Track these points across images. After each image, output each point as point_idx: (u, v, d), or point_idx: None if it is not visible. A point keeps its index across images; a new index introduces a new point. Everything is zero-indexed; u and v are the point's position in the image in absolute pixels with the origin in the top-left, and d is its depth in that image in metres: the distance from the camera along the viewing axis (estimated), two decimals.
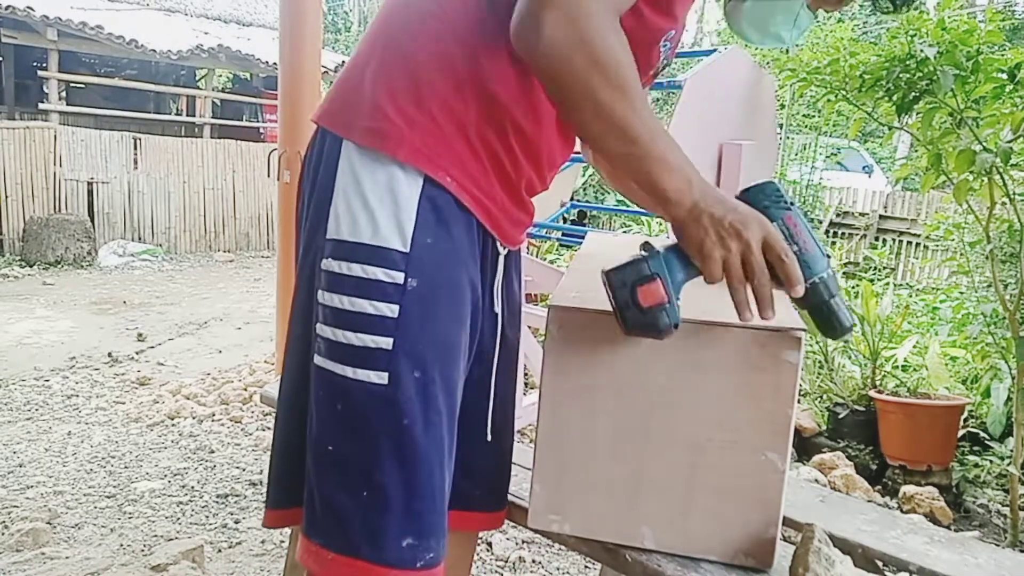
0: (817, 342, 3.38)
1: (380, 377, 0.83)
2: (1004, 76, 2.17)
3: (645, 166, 0.78)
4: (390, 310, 0.83)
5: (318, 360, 0.86)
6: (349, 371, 0.83)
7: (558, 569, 2.20)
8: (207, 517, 2.44)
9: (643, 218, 5.80)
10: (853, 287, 4.08)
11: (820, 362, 3.40)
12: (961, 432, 2.87)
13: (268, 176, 10.20)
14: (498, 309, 1.00)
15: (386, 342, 0.83)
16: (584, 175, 6.77)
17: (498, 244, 0.97)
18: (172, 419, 3.35)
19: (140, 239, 8.34)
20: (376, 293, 0.83)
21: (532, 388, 3.26)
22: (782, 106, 6.90)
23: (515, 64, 0.86)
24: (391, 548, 0.83)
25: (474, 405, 1.00)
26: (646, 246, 0.84)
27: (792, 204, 0.88)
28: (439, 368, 0.86)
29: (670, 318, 0.82)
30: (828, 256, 0.88)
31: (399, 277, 0.83)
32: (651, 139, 0.77)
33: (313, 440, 0.87)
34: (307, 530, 0.87)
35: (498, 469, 1.08)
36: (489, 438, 1.02)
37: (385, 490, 0.83)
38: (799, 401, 3.29)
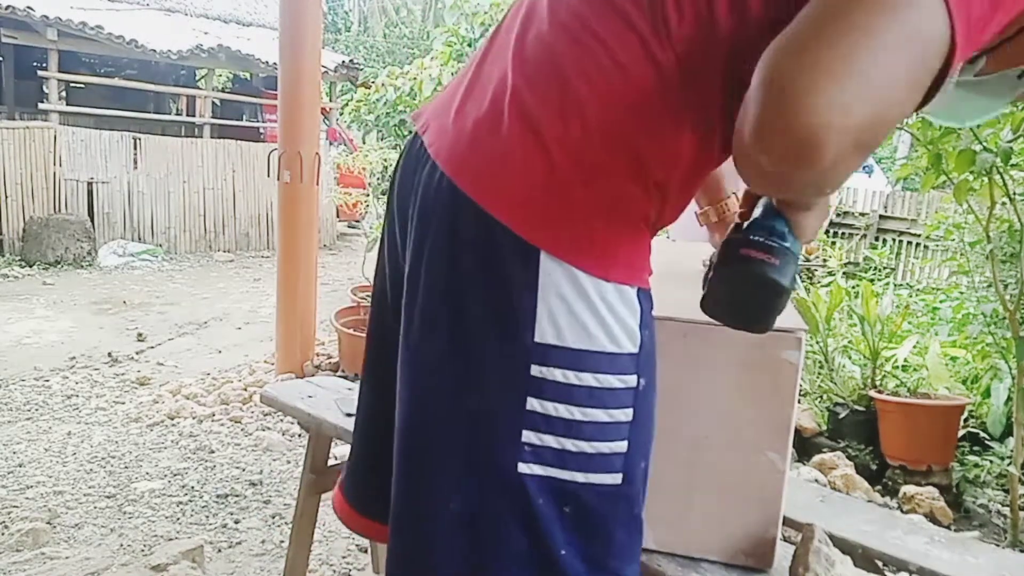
0: (817, 342, 3.38)
1: (614, 478, 0.80)
2: None
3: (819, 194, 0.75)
4: (625, 415, 0.80)
5: (527, 468, 0.79)
6: (580, 476, 0.79)
7: None
8: (207, 517, 2.44)
9: None
10: (853, 287, 4.08)
11: (820, 362, 3.40)
12: (961, 432, 2.87)
13: (268, 176, 10.16)
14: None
15: (622, 446, 0.80)
16: None
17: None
18: (172, 419, 3.35)
19: (140, 239, 8.34)
20: (612, 401, 0.79)
21: None
22: None
23: (703, 171, 0.83)
24: None
25: None
26: (785, 234, 0.79)
27: None
28: (652, 445, 0.86)
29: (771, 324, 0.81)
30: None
31: (632, 380, 0.80)
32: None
33: (537, 544, 0.80)
34: None
35: None
36: None
37: (620, 572, 0.82)
38: (799, 401, 3.30)
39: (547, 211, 0.78)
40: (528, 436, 0.78)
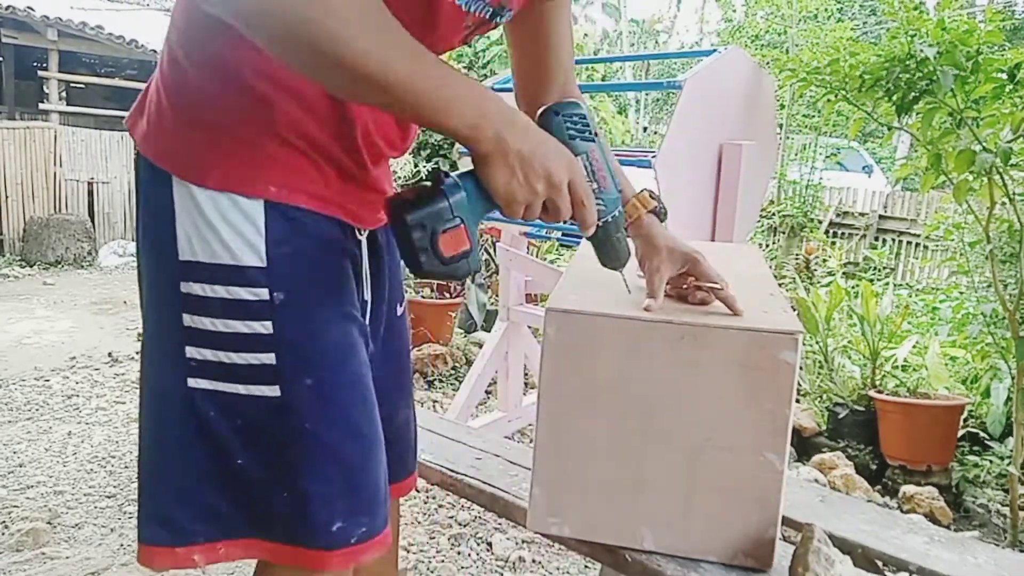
0: (817, 342, 3.38)
1: (272, 390, 0.84)
2: (1004, 76, 2.17)
3: (419, 112, 0.73)
4: (263, 327, 0.83)
5: (195, 383, 0.84)
6: (242, 388, 0.84)
7: (558, 569, 2.20)
8: None
9: None
10: (853, 287, 4.08)
11: (820, 362, 3.41)
12: (961, 432, 2.87)
13: None
14: (367, 296, 0.98)
15: (269, 357, 0.83)
16: None
17: (356, 231, 0.95)
18: None
19: None
20: (246, 312, 0.82)
21: (533, 388, 3.26)
22: (782, 106, 6.90)
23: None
24: (322, 534, 0.86)
25: None
26: (442, 178, 0.78)
27: (596, 135, 0.85)
28: (332, 367, 0.87)
29: (471, 266, 0.78)
30: (620, 192, 0.88)
31: (264, 293, 0.82)
32: (410, 79, 0.70)
33: (217, 458, 0.85)
34: (228, 535, 0.88)
35: (399, 439, 1.09)
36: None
37: (302, 488, 0.85)
38: (799, 401, 3.30)
39: (161, 132, 0.86)
40: (191, 352, 0.84)
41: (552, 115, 0.83)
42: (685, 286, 1.00)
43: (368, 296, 0.98)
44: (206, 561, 0.88)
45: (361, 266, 0.96)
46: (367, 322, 0.98)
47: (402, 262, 0.83)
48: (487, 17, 0.91)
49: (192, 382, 0.84)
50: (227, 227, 0.82)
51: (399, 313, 1.10)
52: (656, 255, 0.99)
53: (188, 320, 0.83)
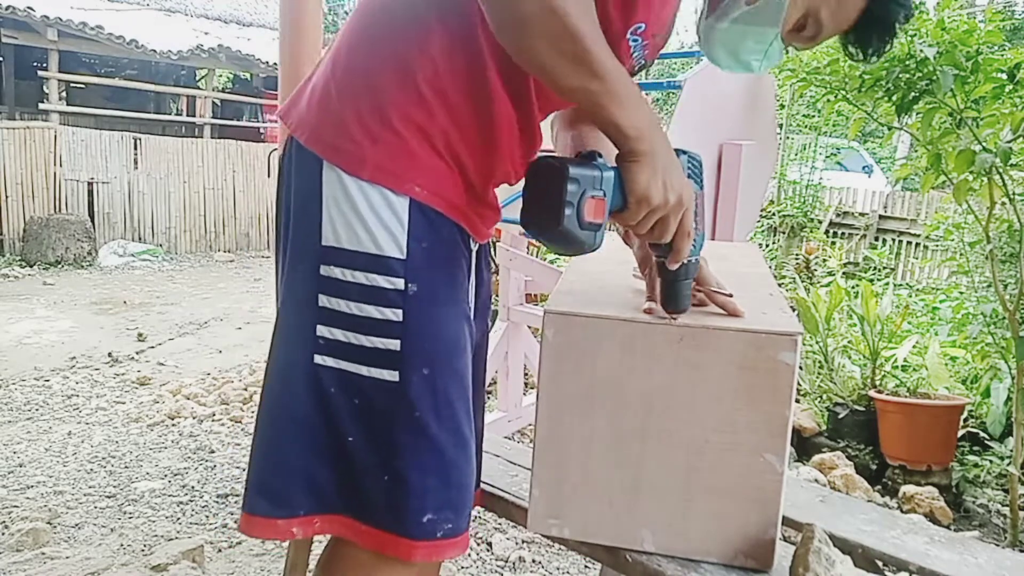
0: (817, 342, 3.38)
1: (392, 375, 0.88)
2: (1004, 76, 2.17)
3: (605, 100, 0.79)
4: (395, 314, 0.88)
5: (321, 360, 0.90)
6: (364, 369, 0.89)
7: (558, 569, 2.20)
8: (207, 517, 2.45)
9: None
10: (853, 287, 4.08)
11: (820, 362, 3.41)
12: (961, 432, 2.87)
13: (268, 176, 10.20)
14: (471, 304, 1.03)
15: (395, 344, 0.88)
16: None
17: (471, 241, 1.00)
18: (172, 419, 3.35)
19: (140, 239, 8.35)
20: (380, 299, 0.88)
21: (533, 388, 3.26)
22: (782, 106, 6.90)
23: (469, 69, 0.88)
24: (412, 523, 0.90)
25: None
26: (598, 155, 0.83)
27: (703, 184, 0.91)
28: (446, 361, 0.91)
29: (596, 242, 0.82)
30: (704, 241, 0.93)
31: (400, 283, 0.88)
32: (614, 76, 0.79)
33: (329, 432, 0.91)
34: (326, 509, 0.92)
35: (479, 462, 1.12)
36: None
37: (402, 474, 0.89)
38: (799, 401, 3.30)
39: (323, 122, 0.91)
40: (321, 330, 0.89)
41: (681, 154, 0.88)
42: None
43: (471, 305, 1.03)
44: (303, 534, 0.93)
45: (470, 275, 1.02)
46: (469, 334, 1.02)
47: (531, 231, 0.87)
48: (635, 69, 0.99)
49: (319, 359, 0.90)
50: (375, 219, 0.87)
51: (485, 331, 1.14)
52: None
53: (324, 301, 0.89)
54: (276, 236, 1.01)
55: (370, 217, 0.87)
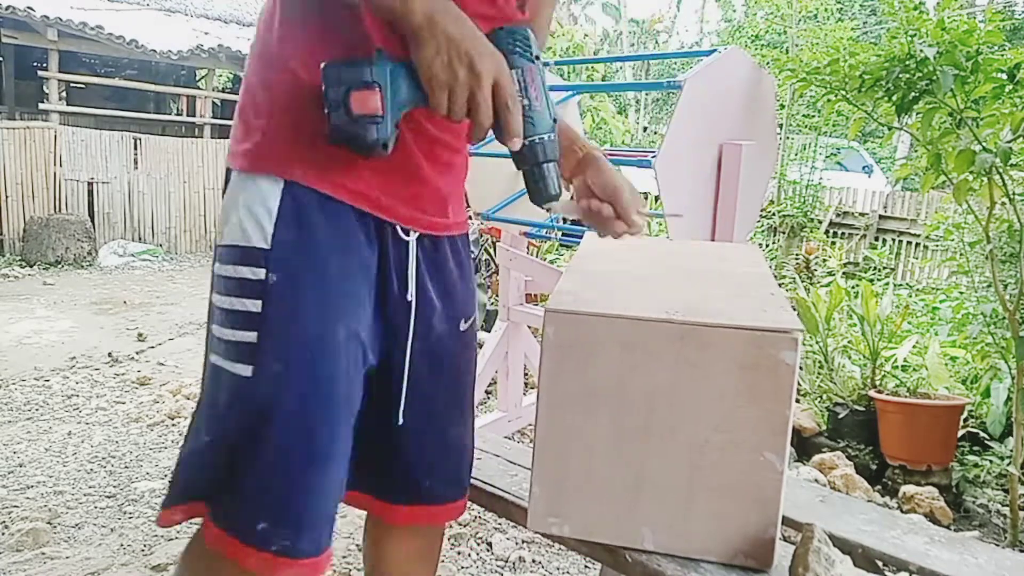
0: (817, 342, 3.38)
1: (245, 370, 0.87)
2: (1004, 76, 2.17)
3: None
4: (254, 305, 0.87)
5: (212, 358, 0.91)
6: (227, 364, 0.88)
7: (558, 569, 2.20)
8: None
9: None
10: (853, 287, 4.08)
11: (820, 362, 3.40)
12: (961, 432, 2.87)
13: None
14: (411, 297, 0.98)
15: (250, 336, 0.87)
16: None
17: (398, 229, 0.95)
18: (172, 419, 3.35)
19: (140, 239, 8.34)
20: (243, 290, 0.88)
21: (533, 388, 3.26)
22: (782, 106, 6.90)
23: (314, 37, 0.88)
24: (243, 529, 0.87)
25: (397, 391, 1.01)
26: (378, 52, 0.80)
27: (538, 58, 0.86)
28: (308, 360, 0.87)
29: (379, 134, 0.79)
30: (555, 120, 0.87)
31: (261, 273, 0.87)
32: None
33: (195, 426, 0.94)
34: (199, 499, 0.94)
35: (447, 458, 1.07)
36: (401, 421, 1.01)
37: (240, 478, 0.87)
38: (799, 401, 3.30)
39: (231, 139, 0.95)
40: (215, 329, 0.91)
41: (497, 30, 0.84)
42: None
43: (412, 298, 0.98)
44: (184, 518, 0.94)
45: (407, 266, 0.97)
46: (413, 328, 0.98)
47: None
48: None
49: (212, 357, 0.91)
50: (246, 210, 0.88)
51: (462, 328, 1.07)
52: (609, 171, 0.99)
53: (212, 299, 0.91)
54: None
55: (242, 210, 0.88)
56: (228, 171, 0.94)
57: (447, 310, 1.04)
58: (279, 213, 0.87)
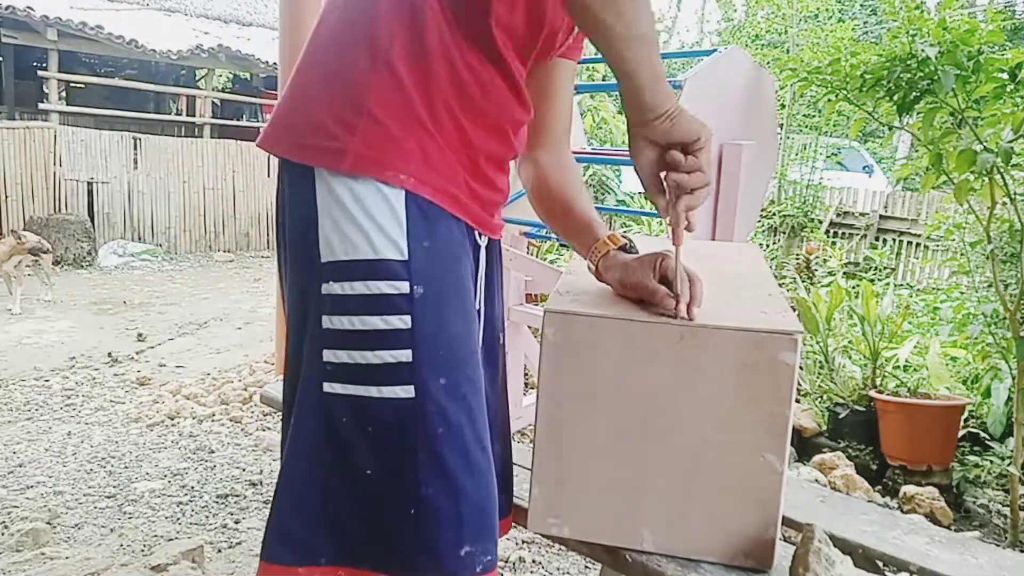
0: (817, 342, 3.38)
1: (407, 391, 0.80)
2: (1005, 76, 2.16)
3: (637, 71, 0.81)
4: (402, 322, 0.80)
5: (330, 387, 0.82)
6: (375, 390, 0.80)
7: (558, 569, 2.20)
8: (207, 517, 2.44)
9: (643, 218, 5.80)
10: (853, 287, 4.07)
11: (820, 362, 3.40)
12: (961, 432, 2.87)
13: (268, 176, 10.16)
14: (480, 306, 0.96)
15: (405, 355, 0.80)
16: (584, 175, 6.76)
17: (477, 235, 0.94)
18: (172, 419, 3.35)
19: (140, 239, 8.34)
20: (385, 306, 0.80)
21: (533, 388, 3.26)
22: (782, 106, 6.89)
23: (442, 38, 0.83)
24: (449, 557, 0.81)
25: None
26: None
27: None
28: (462, 369, 0.84)
29: None
30: None
31: (404, 287, 0.80)
32: (651, 26, 0.81)
33: (344, 468, 0.82)
34: (350, 560, 0.83)
35: (502, 476, 1.04)
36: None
37: (433, 503, 0.80)
38: (799, 401, 3.30)
39: (301, 128, 0.85)
40: (327, 355, 0.82)
41: None
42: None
43: (480, 306, 0.95)
44: None
45: (478, 273, 0.94)
46: (482, 337, 0.95)
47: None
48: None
49: (327, 387, 0.82)
50: (368, 219, 0.80)
51: (501, 341, 1.05)
52: (637, 268, 0.94)
53: (327, 322, 0.81)
54: (279, 269, 0.95)
55: (362, 218, 0.80)
56: (293, 164, 0.84)
57: (493, 316, 1.01)
58: (408, 219, 0.80)
